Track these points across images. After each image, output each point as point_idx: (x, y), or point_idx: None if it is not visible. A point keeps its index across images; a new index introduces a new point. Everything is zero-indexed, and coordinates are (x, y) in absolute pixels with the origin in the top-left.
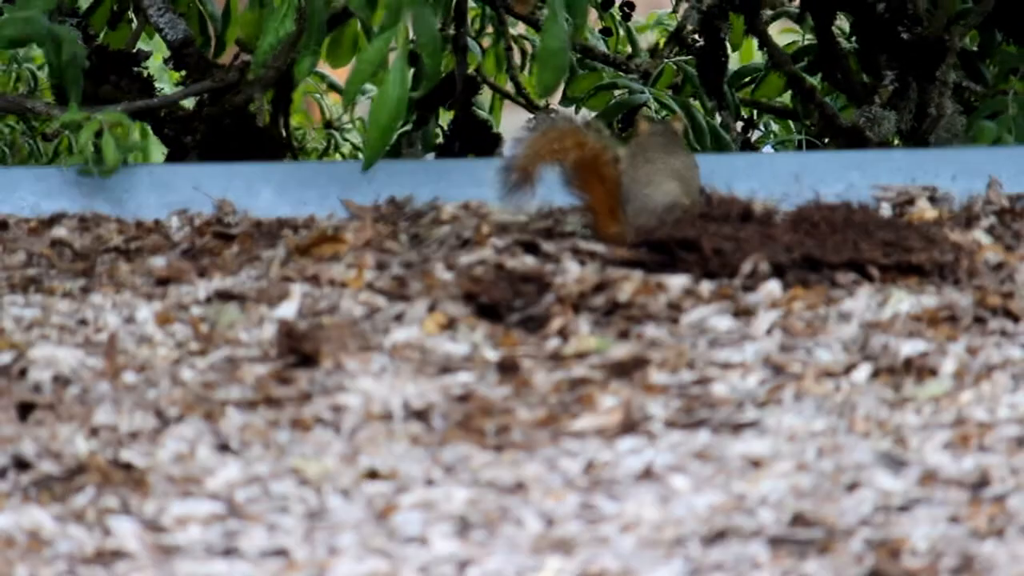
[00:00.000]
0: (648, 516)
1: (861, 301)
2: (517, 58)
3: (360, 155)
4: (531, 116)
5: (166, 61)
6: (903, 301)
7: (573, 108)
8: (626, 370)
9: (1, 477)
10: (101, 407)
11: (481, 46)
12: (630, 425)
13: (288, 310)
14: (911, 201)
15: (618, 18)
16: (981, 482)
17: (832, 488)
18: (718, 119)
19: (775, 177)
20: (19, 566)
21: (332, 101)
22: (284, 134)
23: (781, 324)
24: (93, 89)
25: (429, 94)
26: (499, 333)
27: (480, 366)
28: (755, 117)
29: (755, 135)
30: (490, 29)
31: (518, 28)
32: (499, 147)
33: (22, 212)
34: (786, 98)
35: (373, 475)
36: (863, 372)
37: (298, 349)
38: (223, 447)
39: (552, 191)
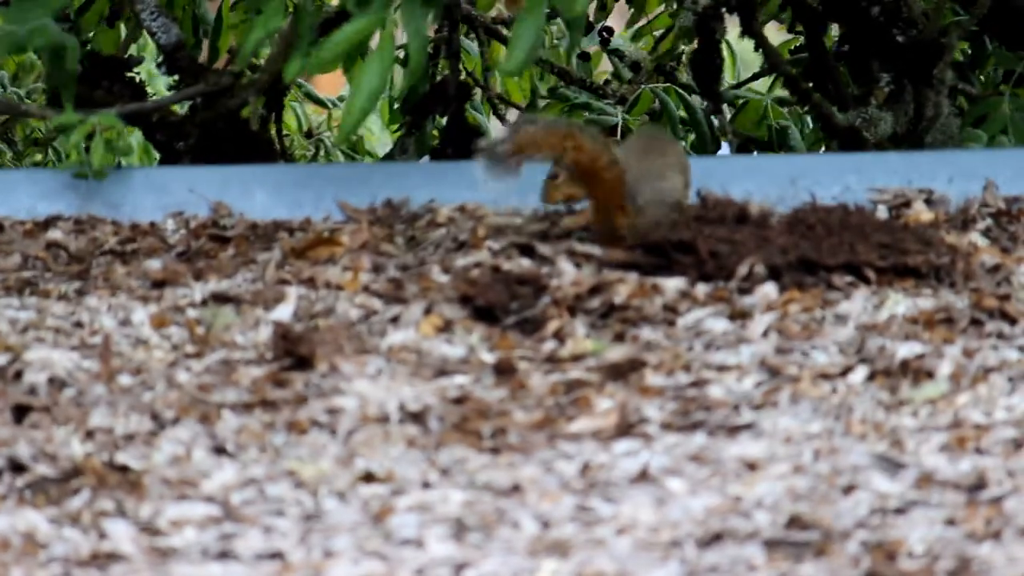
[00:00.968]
0: (644, 518)
1: (857, 303)
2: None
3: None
4: (521, 112)
5: (159, 65)
6: (899, 303)
7: None
8: (622, 372)
9: None
10: (96, 409)
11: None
12: (626, 427)
13: (284, 312)
14: (907, 203)
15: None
16: (978, 484)
17: (828, 490)
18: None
19: (771, 179)
20: (14, 569)
21: (310, 111)
22: (278, 141)
23: (777, 326)
24: (87, 94)
25: (422, 100)
26: (495, 335)
27: (476, 368)
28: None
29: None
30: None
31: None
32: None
33: (17, 214)
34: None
35: (369, 478)
36: (859, 374)
37: (294, 352)
38: (219, 450)
39: None
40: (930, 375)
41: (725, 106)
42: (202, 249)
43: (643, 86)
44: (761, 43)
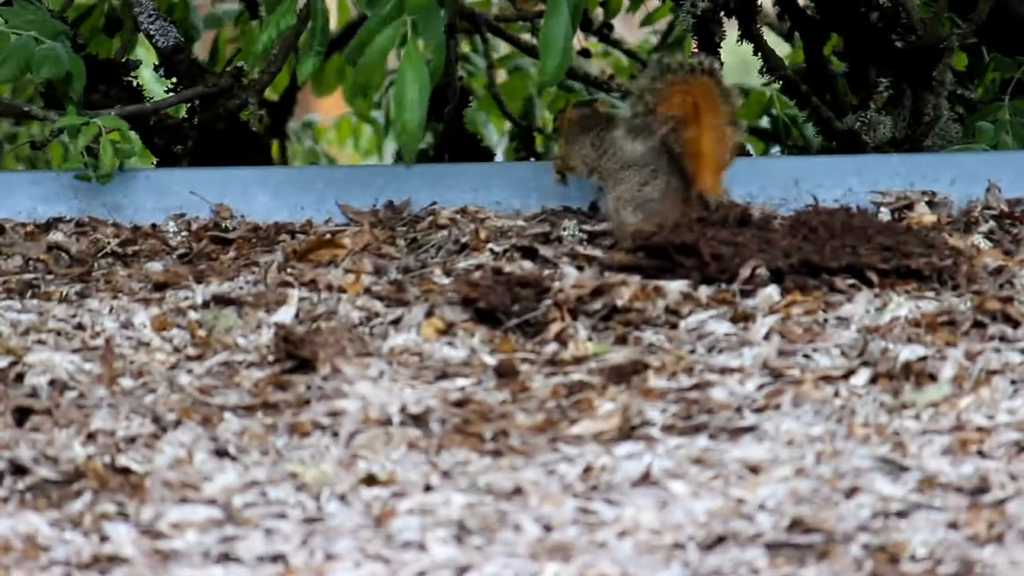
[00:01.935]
0: (646, 521)
1: (859, 306)
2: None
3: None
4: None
5: (157, 68)
6: (902, 306)
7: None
8: (624, 375)
9: None
10: (98, 412)
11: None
12: (628, 430)
13: (285, 315)
14: (910, 206)
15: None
16: (980, 488)
17: (831, 493)
18: None
19: (773, 182)
20: (15, 572)
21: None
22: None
23: (779, 329)
24: (84, 97)
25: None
26: (497, 338)
27: (478, 371)
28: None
29: None
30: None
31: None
32: (490, 160)
33: (19, 216)
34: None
35: (371, 480)
36: (862, 377)
37: (295, 354)
38: (220, 452)
39: (549, 196)
40: (932, 378)
41: None
42: (203, 251)
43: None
44: (760, 47)
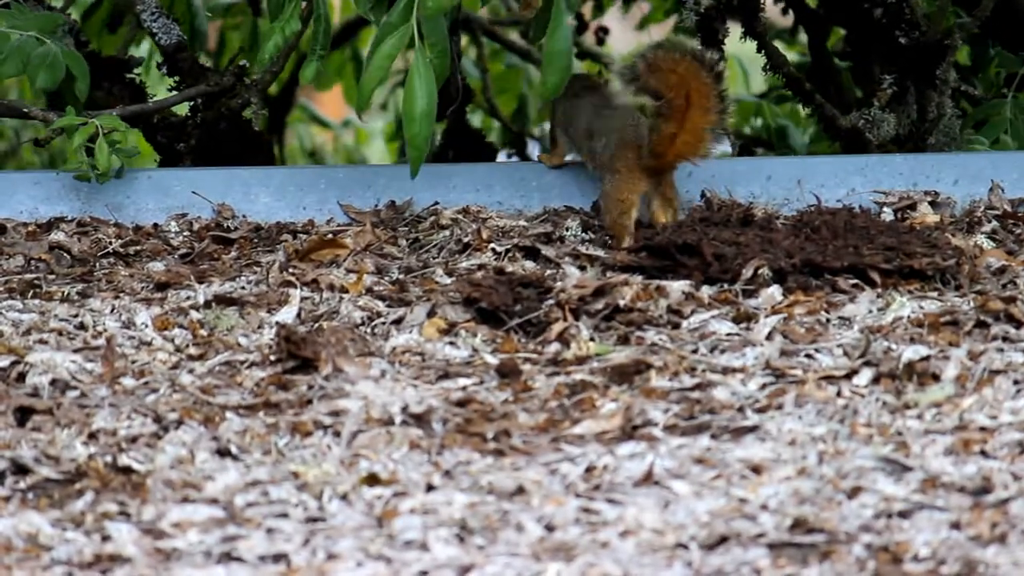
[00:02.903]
0: (648, 521)
1: (862, 306)
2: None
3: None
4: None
5: (159, 66)
6: (904, 306)
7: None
8: (626, 375)
9: None
10: (100, 412)
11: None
12: (630, 430)
13: (287, 315)
14: (912, 206)
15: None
16: (983, 488)
17: (833, 493)
18: None
19: (776, 182)
20: (17, 571)
21: (313, 131)
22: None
23: (782, 329)
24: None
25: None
26: (499, 338)
27: (480, 371)
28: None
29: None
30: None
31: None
32: (494, 157)
33: (20, 216)
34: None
35: (373, 480)
36: (864, 377)
37: (297, 354)
38: (222, 452)
39: (551, 195)
40: (935, 378)
41: None
42: (205, 251)
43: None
44: (763, 44)
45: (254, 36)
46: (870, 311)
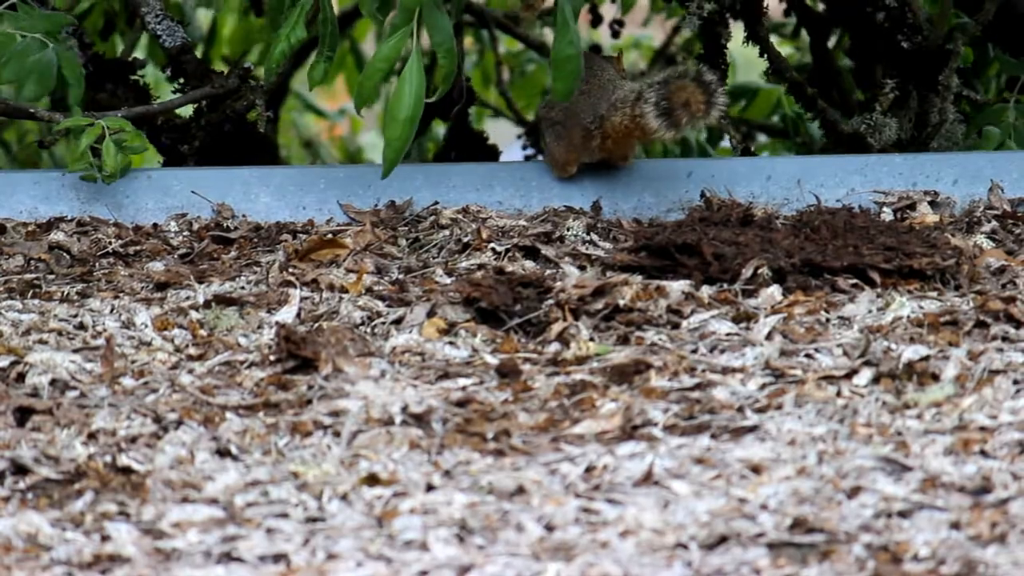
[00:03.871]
0: (648, 521)
1: (862, 306)
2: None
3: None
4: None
5: (164, 68)
6: (904, 306)
7: None
8: (626, 375)
9: None
10: (99, 412)
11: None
12: (630, 430)
13: (287, 315)
14: (912, 206)
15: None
16: (983, 488)
17: (833, 493)
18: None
19: (776, 182)
20: (16, 571)
21: (310, 120)
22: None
23: (782, 329)
24: (90, 96)
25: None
26: (499, 338)
27: (480, 371)
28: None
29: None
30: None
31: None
32: (496, 158)
33: (20, 216)
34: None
35: (372, 480)
36: (864, 377)
37: (297, 354)
38: (222, 452)
39: (551, 195)
40: (935, 378)
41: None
42: (205, 251)
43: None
44: (766, 48)
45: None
46: (870, 311)
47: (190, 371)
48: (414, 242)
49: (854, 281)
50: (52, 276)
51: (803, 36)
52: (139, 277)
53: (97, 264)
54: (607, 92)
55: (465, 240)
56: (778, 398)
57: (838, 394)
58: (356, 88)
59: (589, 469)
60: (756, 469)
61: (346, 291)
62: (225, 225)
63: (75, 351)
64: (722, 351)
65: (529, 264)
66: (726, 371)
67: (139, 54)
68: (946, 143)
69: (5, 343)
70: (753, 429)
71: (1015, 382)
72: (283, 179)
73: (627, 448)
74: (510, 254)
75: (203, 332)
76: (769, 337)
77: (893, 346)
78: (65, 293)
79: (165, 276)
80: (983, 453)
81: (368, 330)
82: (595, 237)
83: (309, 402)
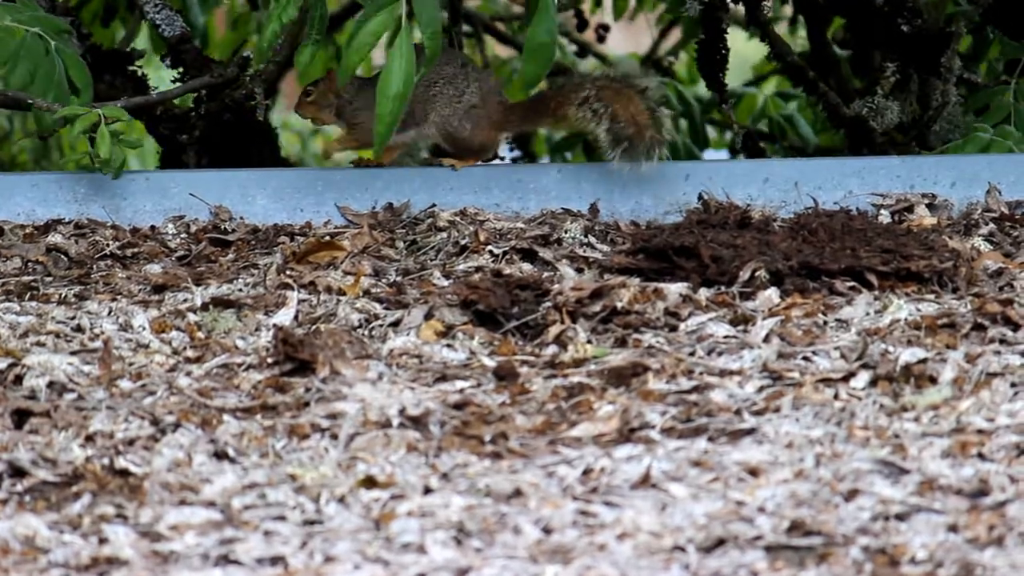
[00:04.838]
0: (646, 524)
1: (859, 308)
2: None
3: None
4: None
5: (163, 57)
6: (902, 308)
7: None
8: (624, 377)
9: None
10: (97, 414)
11: None
12: (628, 432)
13: (285, 317)
14: (910, 208)
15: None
16: (980, 490)
17: (831, 496)
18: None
19: (773, 184)
20: (14, 574)
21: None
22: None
23: (779, 331)
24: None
25: None
26: (496, 340)
27: (477, 373)
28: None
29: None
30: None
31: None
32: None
33: (18, 218)
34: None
35: (370, 482)
36: (862, 380)
37: (295, 356)
38: (219, 454)
39: (548, 198)
40: (933, 380)
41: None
42: (203, 253)
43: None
44: (766, 33)
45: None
46: (867, 313)
47: (188, 373)
48: (412, 244)
49: (852, 284)
50: (50, 278)
51: (798, 33)
52: (137, 279)
53: (95, 266)
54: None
55: (463, 242)
56: (776, 401)
57: (836, 397)
58: (342, 61)
59: (586, 472)
60: (754, 472)
61: (344, 293)
62: (223, 227)
63: (73, 353)
64: (720, 354)
65: (527, 266)
66: (724, 374)
67: (139, 44)
68: (948, 125)
69: (3, 345)
70: (751, 432)
71: (1012, 385)
72: (281, 181)
73: (624, 451)
74: (508, 256)
75: (201, 334)
76: (767, 340)
77: (891, 349)
78: (63, 295)
79: (163, 278)
80: (980, 456)
81: (366, 332)
82: (593, 239)
83: (307, 404)
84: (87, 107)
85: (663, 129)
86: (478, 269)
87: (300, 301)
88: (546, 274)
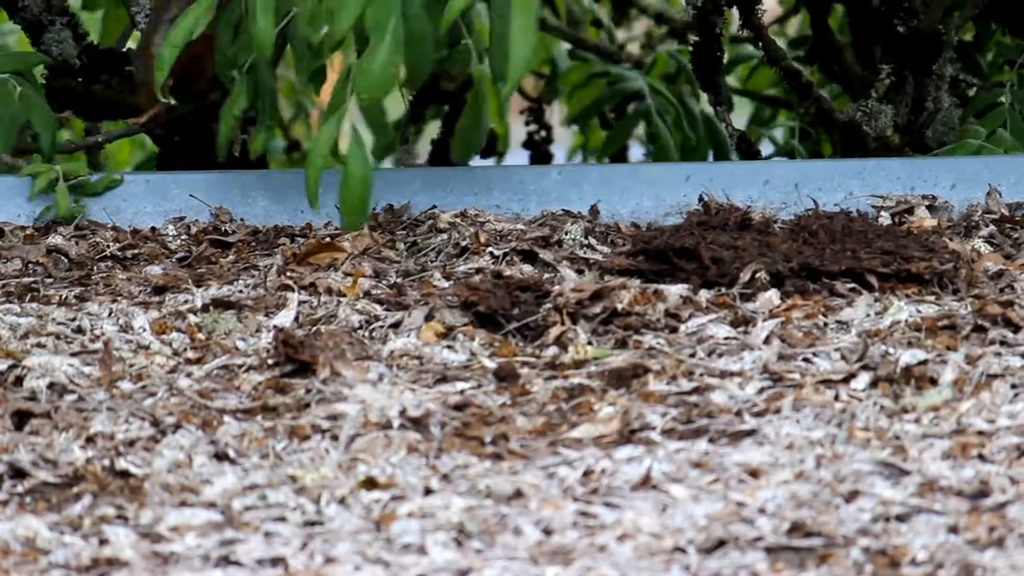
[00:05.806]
0: (646, 525)
1: (860, 310)
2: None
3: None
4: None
5: None
6: (902, 310)
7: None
8: (624, 379)
9: None
10: (97, 415)
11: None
12: (628, 434)
13: (285, 318)
14: (910, 210)
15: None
16: (981, 492)
17: (831, 497)
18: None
19: (774, 186)
20: (15, 575)
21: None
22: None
23: (780, 333)
24: (85, 88)
25: (424, 89)
26: (497, 341)
27: (478, 374)
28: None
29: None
30: None
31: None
32: (497, 148)
33: (18, 220)
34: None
35: (371, 484)
36: (862, 381)
37: (295, 357)
38: (220, 456)
39: (549, 199)
40: (933, 382)
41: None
42: (203, 255)
43: (657, 50)
44: (760, 37)
45: None
46: (868, 315)
47: (188, 375)
48: (412, 246)
49: (852, 285)
50: (50, 280)
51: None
52: (137, 281)
53: (95, 268)
54: None
55: (463, 244)
56: (776, 402)
57: (836, 398)
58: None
59: (587, 473)
60: (754, 473)
61: (344, 295)
62: (223, 229)
63: (73, 355)
64: (720, 355)
65: (527, 268)
66: (724, 375)
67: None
68: (943, 128)
69: (3, 347)
70: (751, 433)
71: (1013, 386)
72: (281, 183)
73: (625, 452)
74: (508, 258)
75: (201, 336)
76: (767, 341)
77: (891, 350)
78: (63, 297)
79: (163, 280)
80: (981, 457)
81: (366, 334)
82: (593, 241)
83: (307, 406)
84: (48, 166)
85: None
86: (478, 271)
87: (300, 302)
88: (546, 276)
